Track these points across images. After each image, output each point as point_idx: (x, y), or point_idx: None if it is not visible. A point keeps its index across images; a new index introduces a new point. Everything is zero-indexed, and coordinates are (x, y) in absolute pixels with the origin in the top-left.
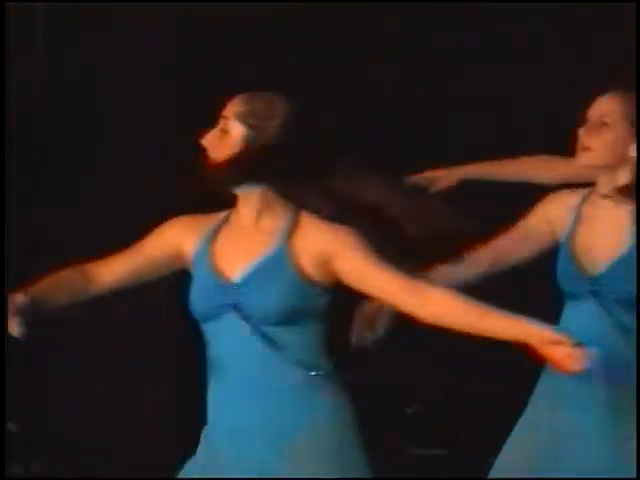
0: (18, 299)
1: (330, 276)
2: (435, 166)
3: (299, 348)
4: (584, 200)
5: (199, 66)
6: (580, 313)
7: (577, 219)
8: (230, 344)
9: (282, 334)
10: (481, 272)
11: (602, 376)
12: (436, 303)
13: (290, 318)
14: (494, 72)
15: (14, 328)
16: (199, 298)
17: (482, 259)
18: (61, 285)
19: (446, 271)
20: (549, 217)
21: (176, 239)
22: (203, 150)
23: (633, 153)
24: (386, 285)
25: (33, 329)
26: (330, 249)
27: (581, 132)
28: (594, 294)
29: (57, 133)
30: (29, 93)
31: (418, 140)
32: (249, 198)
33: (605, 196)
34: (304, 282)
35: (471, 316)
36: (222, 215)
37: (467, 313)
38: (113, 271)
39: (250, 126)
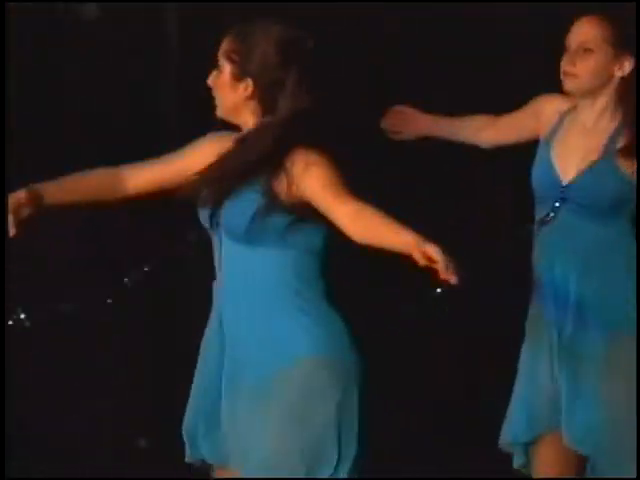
0: (17, 195)
1: None
2: None
3: None
4: (571, 108)
5: None
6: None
7: (561, 124)
8: None
9: None
10: (470, 138)
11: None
12: (358, 217)
13: None
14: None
15: (10, 227)
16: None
17: (475, 126)
18: (87, 182)
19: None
20: (539, 114)
21: None
22: (209, 90)
23: (619, 73)
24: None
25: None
26: None
27: (564, 59)
28: (563, 201)
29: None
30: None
31: None
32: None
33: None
34: None
35: (381, 229)
36: None
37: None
38: (144, 177)
39: (232, 62)
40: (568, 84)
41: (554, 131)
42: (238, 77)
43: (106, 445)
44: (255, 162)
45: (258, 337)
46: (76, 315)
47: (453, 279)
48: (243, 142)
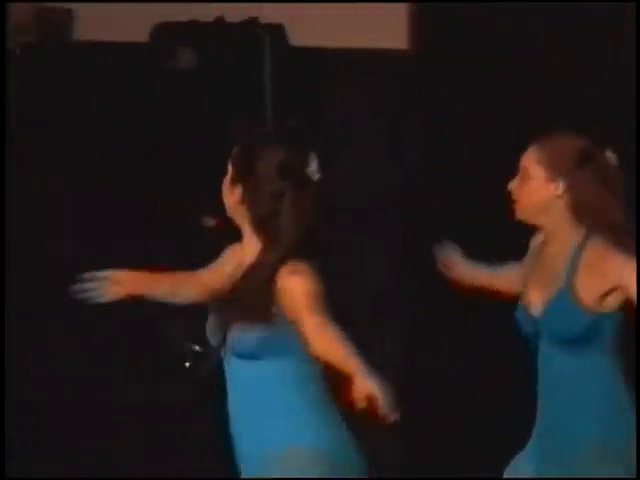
0: (119, 274)
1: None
2: None
3: None
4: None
5: None
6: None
7: (530, 255)
8: None
9: None
10: (505, 288)
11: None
12: (320, 333)
13: None
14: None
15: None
16: None
17: (508, 278)
18: (161, 283)
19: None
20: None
21: None
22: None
23: (558, 192)
24: None
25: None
26: None
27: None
28: (537, 333)
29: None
30: None
31: None
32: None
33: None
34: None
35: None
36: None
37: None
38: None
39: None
40: (516, 212)
41: (528, 264)
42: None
43: (106, 445)
44: (253, 307)
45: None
46: (77, 313)
47: (391, 417)
48: (245, 279)
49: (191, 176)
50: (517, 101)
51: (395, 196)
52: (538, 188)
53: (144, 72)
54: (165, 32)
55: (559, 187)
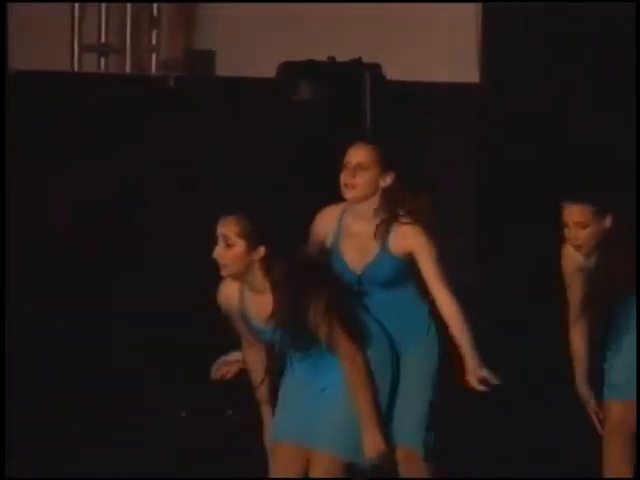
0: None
1: None
2: None
3: None
4: (344, 212)
5: None
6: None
7: (340, 228)
8: None
9: None
10: None
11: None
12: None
13: None
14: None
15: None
16: None
17: None
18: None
19: None
20: (320, 233)
21: None
22: None
23: (383, 184)
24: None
25: None
26: None
27: (344, 173)
28: (361, 283)
29: None
30: None
31: None
32: None
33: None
34: None
35: None
36: None
37: None
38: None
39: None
40: (348, 193)
41: (337, 236)
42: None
43: (106, 445)
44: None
45: None
46: (77, 314)
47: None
48: None
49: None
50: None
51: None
52: (375, 178)
53: (272, 103)
54: (289, 69)
55: (386, 180)
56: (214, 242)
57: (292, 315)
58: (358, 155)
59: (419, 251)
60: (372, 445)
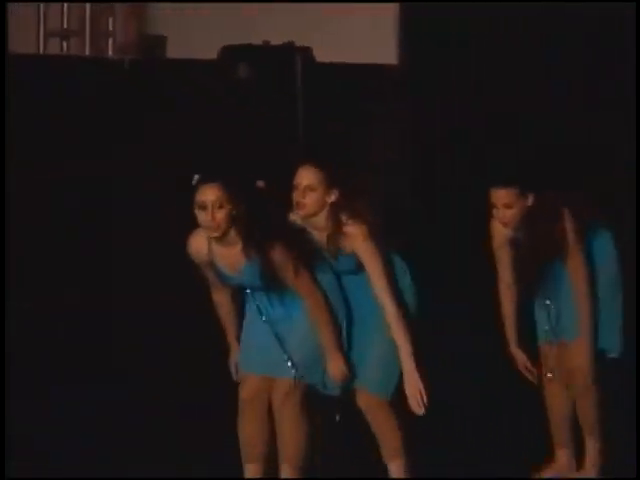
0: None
1: None
2: None
3: None
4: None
5: None
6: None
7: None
8: None
9: None
10: None
11: None
12: None
13: None
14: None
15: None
16: None
17: None
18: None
19: None
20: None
21: None
22: None
23: (329, 200)
24: None
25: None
26: None
27: (295, 193)
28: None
29: None
30: None
31: None
32: None
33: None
34: None
35: None
36: None
37: None
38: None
39: None
40: (300, 211)
41: None
42: None
43: (105, 445)
44: None
45: None
46: (76, 314)
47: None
48: None
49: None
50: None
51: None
52: (322, 196)
53: (215, 83)
54: (228, 52)
55: (331, 197)
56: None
57: (262, 263)
58: (306, 178)
59: (361, 254)
60: (336, 369)
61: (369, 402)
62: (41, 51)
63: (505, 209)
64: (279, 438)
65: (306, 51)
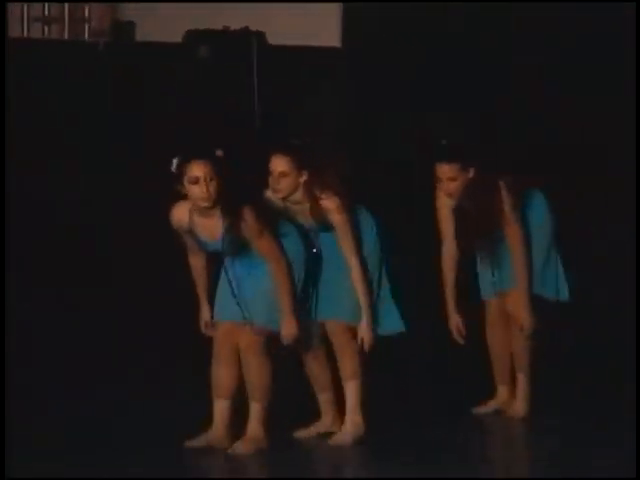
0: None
1: None
2: None
3: None
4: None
5: None
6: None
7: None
8: None
9: None
10: None
11: None
12: None
13: None
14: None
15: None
16: None
17: None
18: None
19: None
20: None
21: None
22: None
23: (302, 180)
24: None
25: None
26: None
27: (270, 179)
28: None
29: None
30: None
31: None
32: None
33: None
34: None
35: None
36: None
37: None
38: None
39: None
40: (277, 194)
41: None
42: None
43: (106, 445)
44: None
45: None
46: (76, 315)
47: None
48: None
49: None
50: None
51: None
52: (295, 178)
53: (179, 64)
54: (192, 36)
55: (302, 177)
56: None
57: (235, 231)
58: (279, 165)
59: (335, 224)
60: (287, 328)
61: (337, 328)
62: (25, 35)
63: (449, 182)
64: (246, 379)
65: (260, 35)
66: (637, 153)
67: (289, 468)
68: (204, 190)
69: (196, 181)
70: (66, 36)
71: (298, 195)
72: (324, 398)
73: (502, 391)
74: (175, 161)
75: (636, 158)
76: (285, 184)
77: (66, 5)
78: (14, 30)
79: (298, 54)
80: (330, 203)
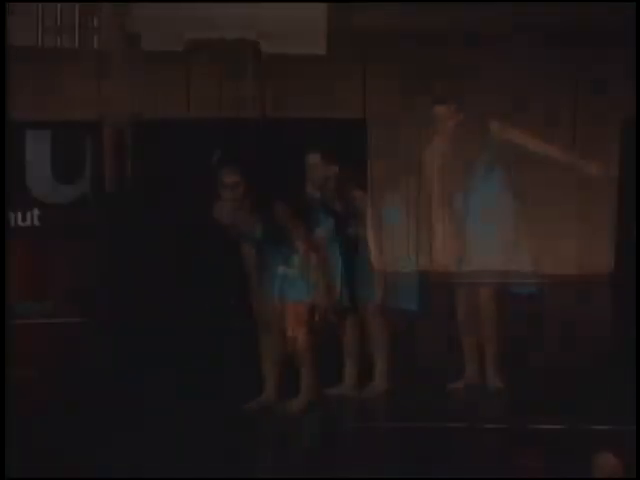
0: None
1: None
2: None
3: None
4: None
5: None
6: None
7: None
8: None
9: None
10: None
11: None
12: None
13: None
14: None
15: None
16: None
17: None
18: None
19: None
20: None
21: None
22: None
23: (333, 173)
24: None
25: None
26: None
27: (307, 173)
28: None
29: None
30: None
31: None
32: None
33: None
34: None
35: None
36: None
37: None
38: None
39: None
40: (314, 187)
41: None
42: None
43: (104, 445)
44: None
45: None
46: (76, 315)
47: None
48: None
49: None
50: None
51: None
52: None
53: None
54: (192, 44)
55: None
56: None
57: (266, 217)
58: (313, 160)
59: (365, 212)
60: (322, 298)
61: (374, 310)
62: (40, 44)
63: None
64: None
65: (255, 44)
66: (637, 153)
67: None
68: (233, 193)
69: (227, 186)
70: (77, 45)
71: (330, 187)
72: None
73: (469, 370)
74: (215, 157)
75: (636, 158)
76: (316, 177)
77: (77, 18)
78: (30, 39)
79: (288, 61)
80: (359, 193)
